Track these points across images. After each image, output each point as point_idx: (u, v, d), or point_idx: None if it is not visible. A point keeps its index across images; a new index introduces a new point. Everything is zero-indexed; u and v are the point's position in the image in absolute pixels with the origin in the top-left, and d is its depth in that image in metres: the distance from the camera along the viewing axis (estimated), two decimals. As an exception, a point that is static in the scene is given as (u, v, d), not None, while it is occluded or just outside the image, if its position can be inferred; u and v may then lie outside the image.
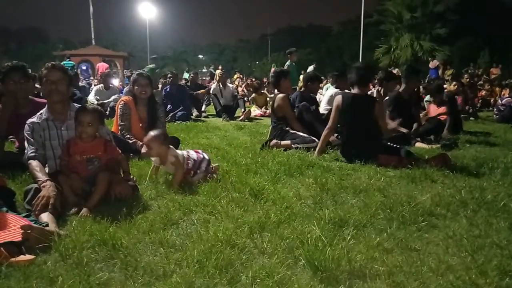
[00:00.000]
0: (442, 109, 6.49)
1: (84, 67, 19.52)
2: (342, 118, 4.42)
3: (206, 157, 3.51)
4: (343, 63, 41.29)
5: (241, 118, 8.91)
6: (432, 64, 15.51)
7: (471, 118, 8.51)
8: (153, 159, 3.41)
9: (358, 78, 4.36)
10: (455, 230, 2.35)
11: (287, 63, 9.27)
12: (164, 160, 3.30)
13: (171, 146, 3.37)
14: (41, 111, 3.10)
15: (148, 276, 1.85)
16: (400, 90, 5.86)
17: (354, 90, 4.46)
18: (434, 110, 6.67)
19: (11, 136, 4.33)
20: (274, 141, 5.06)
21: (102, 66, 18.44)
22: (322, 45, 56.49)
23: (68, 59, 17.86)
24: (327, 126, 4.52)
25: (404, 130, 5.24)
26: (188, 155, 3.42)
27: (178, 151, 3.43)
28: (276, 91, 5.44)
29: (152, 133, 3.33)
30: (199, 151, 3.59)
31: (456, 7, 28.92)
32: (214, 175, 3.45)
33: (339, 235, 2.25)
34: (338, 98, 4.43)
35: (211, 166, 3.51)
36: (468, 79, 11.24)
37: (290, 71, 5.74)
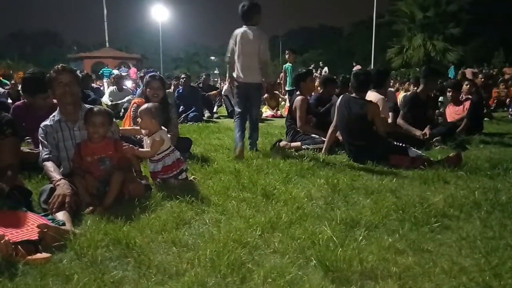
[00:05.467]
0: (459, 109, 6.39)
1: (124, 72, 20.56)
2: (337, 119, 4.58)
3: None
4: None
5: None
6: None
7: (485, 119, 8.38)
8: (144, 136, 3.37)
9: (356, 84, 4.48)
10: (469, 231, 2.33)
11: (286, 64, 9.02)
12: (151, 134, 3.27)
13: (163, 128, 3.34)
14: (53, 114, 3.16)
15: (161, 275, 1.87)
16: (418, 90, 5.80)
17: (353, 94, 4.58)
18: (450, 113, 6.53)
19: (27, 137, 4.41)
20: (284, 142, 5.06)
21: (132, 71, 21.41)
22: (334, 46, 56.19)
23: (107, 66, 21.82)
24: (332, 125, 4.71)
25: (418, 133, 5.18)
26: (179, 158, 3.38)
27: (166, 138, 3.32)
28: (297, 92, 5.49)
29: (145, 105, 3.36)
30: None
31: (470, 6, 28.49)
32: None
33: (351, 236, 2.25)
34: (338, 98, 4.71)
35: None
36: (482, 79, 11.07)
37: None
